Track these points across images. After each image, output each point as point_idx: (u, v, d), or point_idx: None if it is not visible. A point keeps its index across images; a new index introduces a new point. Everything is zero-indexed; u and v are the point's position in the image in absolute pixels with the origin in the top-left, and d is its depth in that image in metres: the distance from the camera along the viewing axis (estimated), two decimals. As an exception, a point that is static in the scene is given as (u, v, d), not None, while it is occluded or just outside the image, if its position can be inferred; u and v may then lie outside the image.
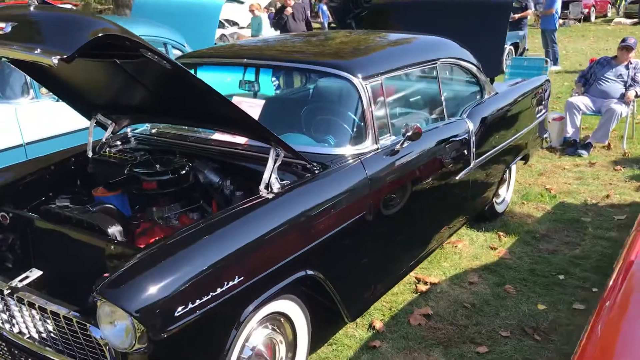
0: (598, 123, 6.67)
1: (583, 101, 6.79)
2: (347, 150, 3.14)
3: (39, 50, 2.01)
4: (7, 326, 2.58)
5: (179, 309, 2.11)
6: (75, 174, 3.44)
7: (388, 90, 3.39)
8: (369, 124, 3.21)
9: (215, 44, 7.34)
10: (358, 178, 3.02)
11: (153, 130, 3.65)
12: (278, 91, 4.00)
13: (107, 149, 3.50)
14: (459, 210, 4.14)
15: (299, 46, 3.98)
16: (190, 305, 2.14)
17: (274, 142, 2.78)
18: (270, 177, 2.74)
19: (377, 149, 3.22)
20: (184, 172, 3.06)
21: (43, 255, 2.80)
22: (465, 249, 4.41)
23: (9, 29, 2.18)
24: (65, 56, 1.98)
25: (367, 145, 3.19)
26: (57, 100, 5.05)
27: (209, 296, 2.20)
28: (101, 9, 21.71)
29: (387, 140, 3.30)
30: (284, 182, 2.82)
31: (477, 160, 4.09)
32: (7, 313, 2.57)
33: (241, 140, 3.25)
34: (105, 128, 3.53)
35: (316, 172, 2.92)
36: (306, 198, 2.76)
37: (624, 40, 6.88)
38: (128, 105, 3.33)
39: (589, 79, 7.00)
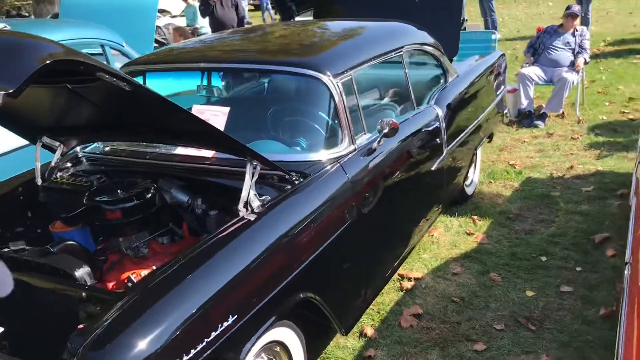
0: (552, 92, 6.70)
1: (535, 71, 6.79)
2: (324, 154, 2.94)
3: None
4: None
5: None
6: (25, 206, 3.11)
7: (358, 86, 3.20)
8: (344, 124, 3.02)
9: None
10: (340, 183, 2.83)
11: (106, 149, 3.33)
12: (234, 95, 3.73)
13: (58, 173, 3.17)
14: (436, 199, 4.02)
15: (248, 44, 3.71)
16: (185, 358, 1.91)
17: (249, 156, 2.55)
18: (249, 194, 2.51)
19: (354, 149, 3.03)
20: (149, 195, 2.79)
21: (2, 308, 2.48)
22: (442, 237, 4.30)
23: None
24: (10, 91, 1.69)
25: (344, 147, 3.00)
26: None
27: (204, 343, 1.98)
28: (19, 5, 20.51)
29: (362, 138, 3.12)
30: (263, 197, 2.60)
31: (449, 147, 3.96)
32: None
33: (208, 153, 2.99)
34: (52, 150, 3.20)
35: (296, 182, 2.71)
36: (291, 214, 2.55)
37: (568, 8, 6.90)
38: (77, 125, 3.00)
39: (537, 49, 7.01)
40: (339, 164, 2.90)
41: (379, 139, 3.08)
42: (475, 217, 4.55)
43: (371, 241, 3.11)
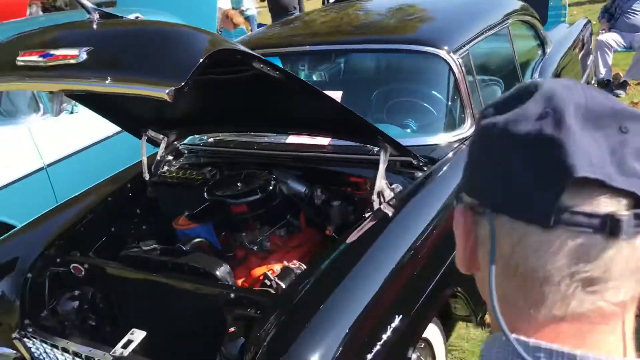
0: (633, 59, 6.35)
1: (613, 37, 6.44)
2: (444, 137, 2.76)
3: (145, 82, 1.58)
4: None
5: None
6: (134, 203, 3.01)
7: (475, 61, 3.00)
8: (467, 102, 2.83)
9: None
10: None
11: (210, 140, 3.21)
12: (345, 77, 3.56)
13: (164, 167, 3.07)
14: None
15: (352, 24, 3.52)
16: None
17: (383, 141, 2.38)
18: (382, 183, 2.35)
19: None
20: (271, 187, 2.66)
21: (140, 312, 2.40)
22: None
23: (84, 57, 1.72)
24: (179, 86, 1.55)
25: (467, 128, 2.81)
26: (71, 112, 4.57)
27: (377, 346, 1.84)
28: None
29: (483, 118, 2.92)
30: (393, 186, 2.44)
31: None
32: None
33: (323, 141, 2.84)
34: (156, 144, 3.09)
35: (424, 169, 2.54)
36: (431, 203, 2.39)
37: (646, -34, 6.50)
38: (185, 117, 2.89)
39: (613, 14, 6.64)
40: (466, 147, 2.72)
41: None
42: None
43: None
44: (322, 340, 1.75)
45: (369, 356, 1.80)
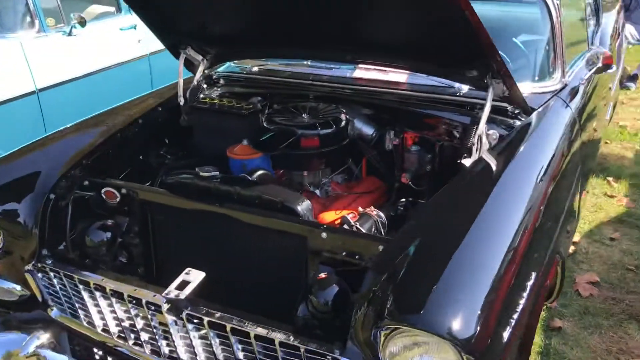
0: (647, 53, 6.23)
1: (629, 30, 6.29)
2: (537, 87, 2.44)
3: None
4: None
5: (505, 328, 1.41)
6: (166, 129, 2.58)
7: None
8: (560, 53, 2.52)
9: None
10: (567, 119, 2.35)
11: (254, 69, 2.79)
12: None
13: (200, 94, 2.63)
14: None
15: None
16: (511, 322, 1.44)
17: (499, 73, 1.99)
18: (485, 128, 2.01)
19: (565, 85, 2.53)
20: (343, 123, 2.28)
21: (195, 249, 1.99)
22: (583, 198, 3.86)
23: None
24: None
25: (557, 81, 2.50)
26: (69, 35, 4.03)
27: (521, 305, 1.51)
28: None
29: (570, 72, 2.63)
30: (490, 132, 2.10)
31: (613, 93, 3.50)
32: (160, 336, 1.79)
33: (398, 77, 2.48)
34: (191, 69, 2.65)
35: (521, 118, 2.22)
36: (539, 155, 2.04)
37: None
38: (236, 33, 2.46)
39: (629, 6, 6.50)
40: (559, 98, 2.41)
41: (589, 73, 2.60)
42: (610, 179, 4.11)
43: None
44: (468, 290, 1.40)
45: (516, 314, 1.46)
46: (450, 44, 1.97)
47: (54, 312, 2.02)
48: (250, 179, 2.03)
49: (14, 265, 2.02)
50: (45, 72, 3.75)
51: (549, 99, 2.38)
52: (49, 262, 1.96)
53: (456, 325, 1.31)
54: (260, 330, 1.59)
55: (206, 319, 1.64)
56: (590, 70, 2.67)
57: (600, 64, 2.59)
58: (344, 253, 1.69)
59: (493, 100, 2.11)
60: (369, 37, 2.12)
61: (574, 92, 2.54)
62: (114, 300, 1.82)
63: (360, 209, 2.08)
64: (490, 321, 1.38)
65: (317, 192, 2.29)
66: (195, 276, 1.75)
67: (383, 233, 2.03)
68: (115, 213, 2.09)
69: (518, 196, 1.80)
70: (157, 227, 2.05)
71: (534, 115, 2.24)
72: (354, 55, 2.38)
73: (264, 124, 2.28)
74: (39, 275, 1.99)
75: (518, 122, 2.20)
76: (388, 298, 1.39)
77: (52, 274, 1.96)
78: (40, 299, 2.03)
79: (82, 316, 1.95)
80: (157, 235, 2.05)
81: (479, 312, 1.35)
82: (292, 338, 1.56)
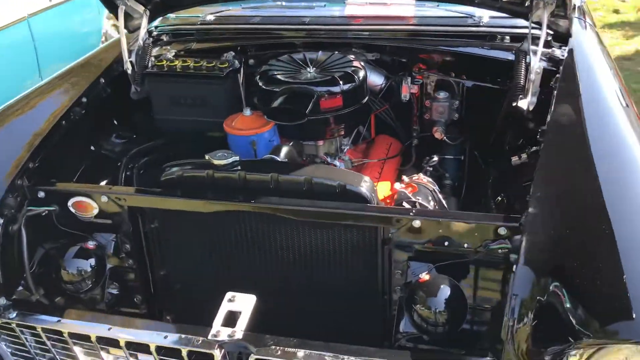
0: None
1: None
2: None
3: None
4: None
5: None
6: (112, 106, 1.98)
7: None
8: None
9: None
10: (595, 38, 2.08)
11: (208, 17, 2.21)
12: None
13: (151, 56, 2.04)
14: None
15: None
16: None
17: None
18: (539, 63, 1.65)
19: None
20: (362, 74, 1.82)
21: (217, 264, 1.47)
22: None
23: None
24: None
25: None
26: None
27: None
28: None
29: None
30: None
31: None
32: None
33: (401, 10, 2.05)
34: (130, 26, 2.04)
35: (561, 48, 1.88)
36: (609, 85, 1.71)
37: None
38: None
39: None
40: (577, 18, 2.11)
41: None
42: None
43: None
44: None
45: None
46: None
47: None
48: (280, 160, 1.54)
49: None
50: None
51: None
52: (13, 315, 1.37)
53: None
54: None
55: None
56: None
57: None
58: (446, 243, 1.29)
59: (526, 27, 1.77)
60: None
61: (581, 9, 2.26)
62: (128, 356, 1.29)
63: (405, 178, 1.67)
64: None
65: (337, 163, 1.83)
66: (243, 302, 1.27)
67: (444, 205, 1.65)
68: (90, 230, 1.52)
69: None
70: (157, 240, 1.51)
71: (573, 42, 1.91)
72: None
73: (262, 85, 1.77)
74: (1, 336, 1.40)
75: (557, 52, 1.87)
76: (575, 307, 1.02)
77: (20, 331, 1.37)
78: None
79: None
80: (159, 251, 1.52)
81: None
82: None
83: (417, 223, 1.29)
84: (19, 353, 1.44)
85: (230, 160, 1.44)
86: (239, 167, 1.44)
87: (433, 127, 1.92)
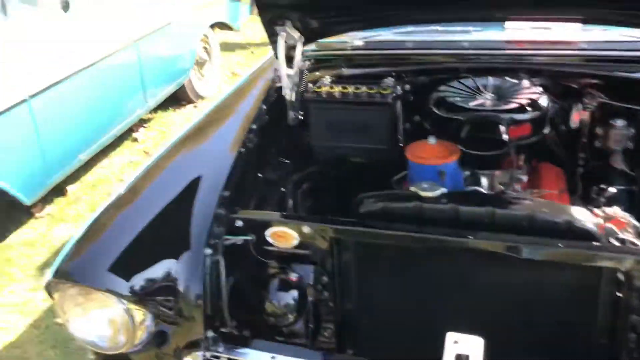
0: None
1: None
2: None
3: None
4: None
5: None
6: (273, 132, 1.96)
7: None
8: None
9: None
10: None
11: (357, 42, 2.18)
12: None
13: (308, 83, 2.02)
14: None
15: None
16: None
17: None
18: None
19: None
20: (547, 101, 1.75)
21: (425, 300, 1.41)
22: None
23: None
24: None
25: None
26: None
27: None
28: None
29: None
30: None
31: None
32: None
33: (570, 35, 1.98)
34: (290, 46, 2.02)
35: None
36: None
37: None
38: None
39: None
40: None
41: None
42: None
43: None
44: None
45: None
46: None
47: None
48: (486, 193, 1.48)
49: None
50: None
51: None
52: (221, 349, 1.34)
53: None
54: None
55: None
56: None
57: None
58: None
59: None
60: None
61: None
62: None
63: (606, 210, 1.58)
64: None
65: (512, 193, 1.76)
66: (469, 345, 1.21)
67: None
68: (287, 261, 1.49)
69: None
70: (356, 274, 1.45)
71: None
72: (505, 11, 1.85)
73: (441, 112, 1.72)
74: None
75: None
76: None
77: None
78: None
79: None
80: (356, 285, 1.46)
81: None
82: None
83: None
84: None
85: (438, 192, 1.38)
86: (446, 200, 1.39)
87: (610, 156, 1.84)
